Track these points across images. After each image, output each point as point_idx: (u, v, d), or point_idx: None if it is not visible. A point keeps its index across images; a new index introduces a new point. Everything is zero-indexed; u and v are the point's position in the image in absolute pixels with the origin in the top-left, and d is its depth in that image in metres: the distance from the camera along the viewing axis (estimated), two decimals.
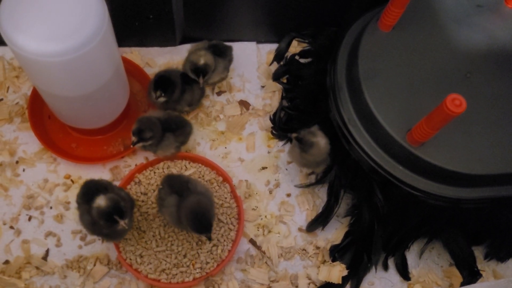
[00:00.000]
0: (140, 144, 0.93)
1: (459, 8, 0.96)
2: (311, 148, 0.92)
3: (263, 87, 1.15)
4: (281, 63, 1.15)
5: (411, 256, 1.02)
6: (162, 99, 0.99)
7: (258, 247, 1.00)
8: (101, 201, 0.80)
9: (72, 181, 1.02)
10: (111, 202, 0.81)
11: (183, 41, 1.17)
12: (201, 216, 0.84)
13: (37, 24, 0.74)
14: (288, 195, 1.05)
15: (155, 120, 0.95)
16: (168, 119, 0.98)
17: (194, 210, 0.84)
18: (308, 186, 1.05)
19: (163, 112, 1.00)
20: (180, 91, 1.02)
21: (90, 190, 0.85)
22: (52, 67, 0.77)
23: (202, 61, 1.00)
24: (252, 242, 1.00)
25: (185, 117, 1.05)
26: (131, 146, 0.94)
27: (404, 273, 1.00)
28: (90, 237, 0.97)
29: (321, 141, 0.92)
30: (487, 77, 0.91)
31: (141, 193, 1.00)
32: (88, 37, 0.75)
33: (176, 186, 0.89)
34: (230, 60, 1.10)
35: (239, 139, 1.10)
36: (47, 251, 0.96)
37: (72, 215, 0.99)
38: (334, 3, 1.09)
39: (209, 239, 0.86)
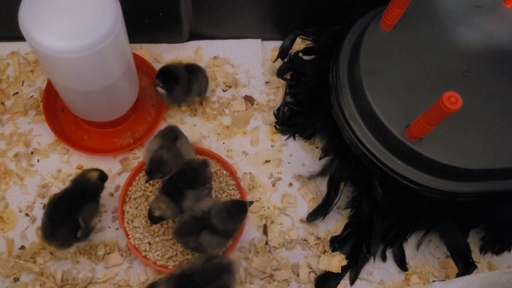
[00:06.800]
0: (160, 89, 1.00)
1: (458, 8, 0.97)
2: None
3: (267, 83, 1.18)
4: (285, 60, 1.17)
5: (408, 248, 1.04)
6: (160, 90, 1.00)
7: (266, 234, 1.02)
8: None
9: None
10: None
11: (191, 38, 1.20)
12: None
13: (56, 21, 0.77)
14: (290, 186, 1.08)
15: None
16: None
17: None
18: (310, 178, 1.07)
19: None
20: (187, 82, 1.03)
21: None
22: (69, 63, 0.80)
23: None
24: (265, 228, 1.03)
25: (195, 107, 1.11)
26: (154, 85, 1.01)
27: (401, 263, 1.02)
28: (100, 225, 1.01)
29: None
30: (484, 76, 0.91)
31: (150, 184, 1.03)
32: (103, 35, 0.78)
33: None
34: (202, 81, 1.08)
35: (244, 133, 1.12)
36: None
37: None
38: (338, 2, 1.10)
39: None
